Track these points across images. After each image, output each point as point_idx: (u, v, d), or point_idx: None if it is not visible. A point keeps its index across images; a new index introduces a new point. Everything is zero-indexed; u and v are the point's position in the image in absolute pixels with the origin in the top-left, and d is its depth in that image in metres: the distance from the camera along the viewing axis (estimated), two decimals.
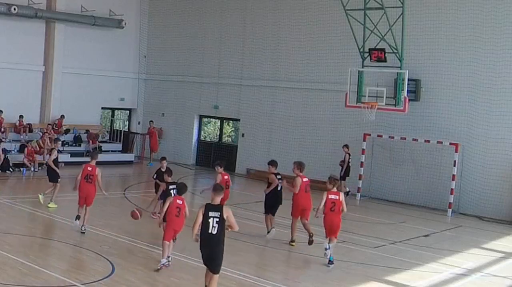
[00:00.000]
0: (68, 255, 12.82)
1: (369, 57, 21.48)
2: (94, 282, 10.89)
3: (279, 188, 15.28)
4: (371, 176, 23.33)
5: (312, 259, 14.16)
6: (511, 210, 20.71)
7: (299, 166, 14.87)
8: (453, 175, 21.13)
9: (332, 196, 13.28)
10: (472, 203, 21.44)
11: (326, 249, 13.31)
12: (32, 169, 24.36)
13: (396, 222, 19.23)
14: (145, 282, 11.22)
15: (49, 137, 25.57)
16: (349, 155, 22.56)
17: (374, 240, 16.33)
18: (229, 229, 9.83)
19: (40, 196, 17.79)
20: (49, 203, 17.60)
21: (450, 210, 21.24)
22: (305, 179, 14.77)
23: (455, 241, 17.46)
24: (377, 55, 21.07)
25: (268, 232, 15.35)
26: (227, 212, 9.75)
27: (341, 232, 17.15)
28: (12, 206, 17.43)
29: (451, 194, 21.20)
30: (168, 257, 12.19)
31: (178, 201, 12.13)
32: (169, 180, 14.25)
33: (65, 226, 15.47)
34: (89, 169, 14.89)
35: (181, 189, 12.27)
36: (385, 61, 21.10)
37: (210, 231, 9.62)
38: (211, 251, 9.73)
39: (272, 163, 15.58)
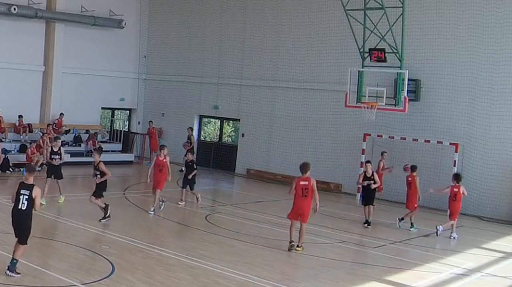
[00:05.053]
0: (68, 255, 12.79)
1: (369, 57, 21.47)
2: (94, 282, 10.88)
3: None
4: None
5: (312, 259, 14.15)
6: (511, 210, 20.71)
7: None
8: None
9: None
10: (472, 203, 21.40)
11: None
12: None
13: (396, 222, 19.20)
14: (145, 282, 11.21)
15: (49, 137, 25.54)
16: (193, 136, 26.85)
17: (374, 240, 16.32)
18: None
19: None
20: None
21: None
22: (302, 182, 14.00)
23: (455, 241, 17.44)
24: (377, 55, 21.06)
25: None
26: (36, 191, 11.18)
27: (341, 232, 17.30)
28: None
29: None
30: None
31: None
32: None
33: (65, 226, 15.46)
34: (160, 158, 18.17)
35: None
36: (385, 61, 21.09)
37: (20, 207, 11.32)
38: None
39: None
